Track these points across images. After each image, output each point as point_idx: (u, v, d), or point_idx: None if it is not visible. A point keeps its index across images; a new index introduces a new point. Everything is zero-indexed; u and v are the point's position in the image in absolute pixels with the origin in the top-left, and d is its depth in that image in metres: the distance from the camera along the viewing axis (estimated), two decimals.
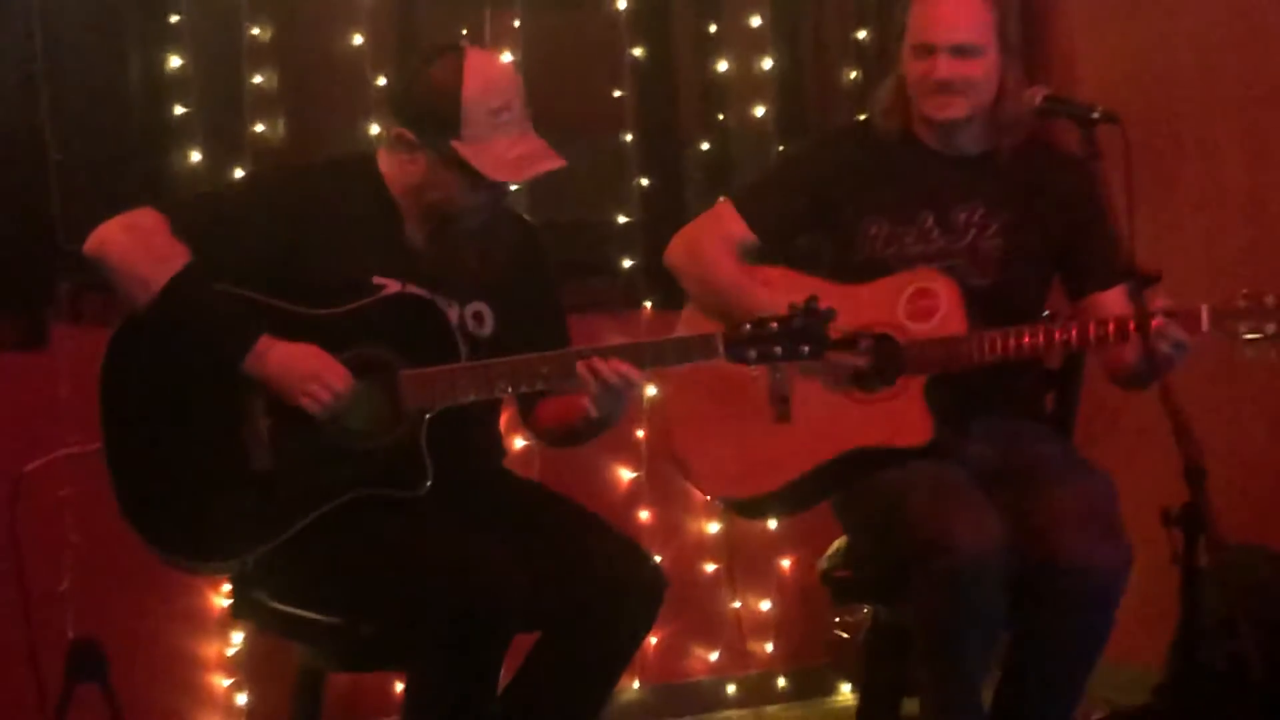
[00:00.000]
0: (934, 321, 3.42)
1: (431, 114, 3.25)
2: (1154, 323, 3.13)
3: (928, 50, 3.42)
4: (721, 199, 3.70)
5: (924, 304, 3.44)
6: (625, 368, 3.16)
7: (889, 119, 3.55)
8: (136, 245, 3.20)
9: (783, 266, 3.61)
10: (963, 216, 3.51)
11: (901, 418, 3.39)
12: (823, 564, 3.61)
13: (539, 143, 3.31)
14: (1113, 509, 3.31)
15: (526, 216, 3.75)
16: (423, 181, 3.31)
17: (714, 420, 3.54)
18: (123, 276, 3.20)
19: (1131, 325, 3.19)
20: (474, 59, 3.28)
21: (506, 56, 4.74)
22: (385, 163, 3.37)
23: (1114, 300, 3.43)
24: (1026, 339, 3.36)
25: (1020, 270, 3.52)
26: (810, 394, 3.46)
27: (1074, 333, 3.34)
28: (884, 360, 3.42)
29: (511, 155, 3.25)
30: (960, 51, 3.40)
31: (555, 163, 3.30)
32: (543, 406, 3.46)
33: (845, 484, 3.47)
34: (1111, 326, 3.29)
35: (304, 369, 3.16)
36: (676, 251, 3.65)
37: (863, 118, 3.68)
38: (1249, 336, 3.22)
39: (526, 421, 3.56)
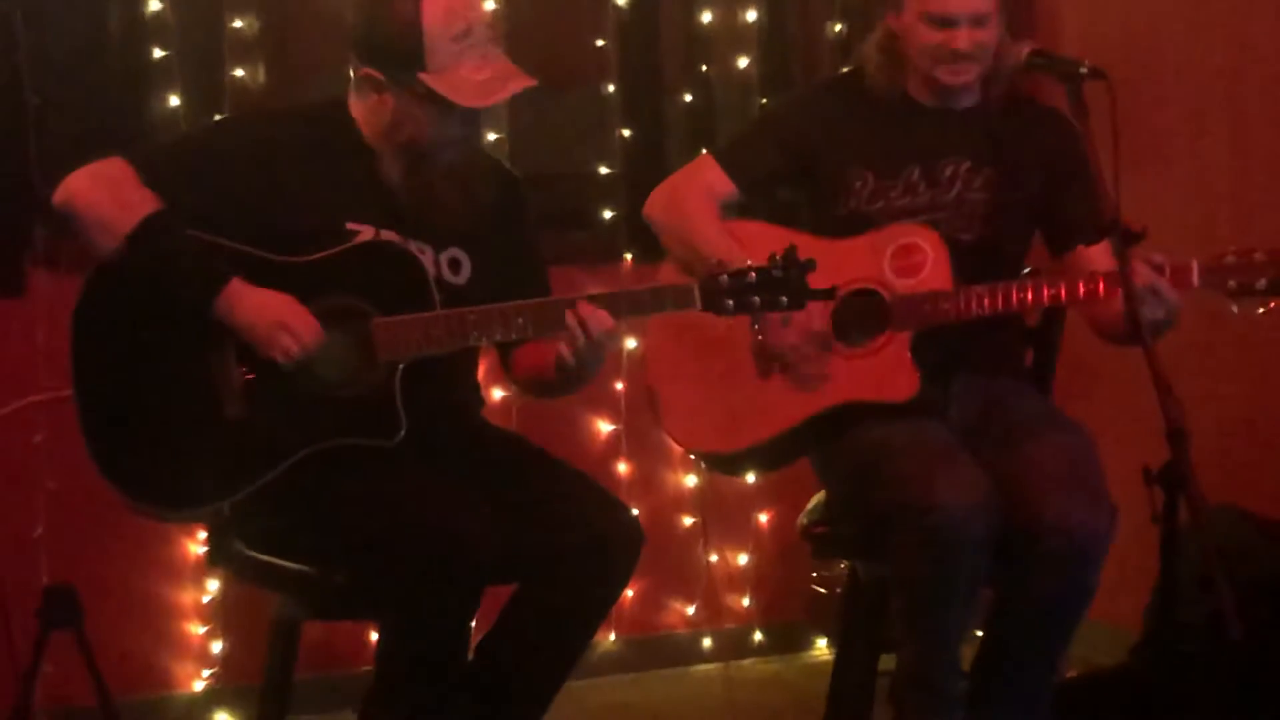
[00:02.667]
0: (920, 277, 3.41)
1: (394, 49, 3.21)
2: (1141, 278, 3.12)
3: (948, 22, 3.38)
4: (703, 152, 3.67)
5: (910, 260, 3.42)
6: (601, 314, 3.14)
7: (880, 77, 3.52)
8: (104, 194, 3.17)
9: (764, 221, 3.59)
10: (949, 170, 3.50)
11: (887, 372, 3.38)
12: (802, 519, 3.60)
13: (506, 64, 3.27)
14: (1096, 468, 3.31)
15: (508, 165, 3.72)
16: (394, 119, 3.27)
17: (697, 374, 3.52)
18: (91, 225, 3.17)
19: (1113, 282, 3.18)
20: None
21: (489, 3, 4.72)
22: (355, 106, 3.33)
23: (1099, 255, 3.42)
24: (1015, 295, 3.35)
25: (1005, 224, 3.52)
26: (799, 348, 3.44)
27: (1062, 289, 3.33)
28: (870, 315, 3.40)
29: (479, 79, 3.21)
30: (978, 21, 3.38)
31: (524, 82, 3.25)
32: (519, 355, 3.44)
33: (828, 439, 3.46)
34: (1101, 283, 3.28)
35: (273, 318, 3.13)
36: (656, 204, 3.63)
37: (849, 70, 3.65)
38: (1237, 291, 3.22)
39: (506, 370, 3.53)
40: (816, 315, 3.41)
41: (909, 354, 3.38)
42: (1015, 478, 3.27)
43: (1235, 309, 3.25)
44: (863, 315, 3.43)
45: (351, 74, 3.31)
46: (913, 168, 3.50)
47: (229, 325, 3.15)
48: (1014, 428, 3.40)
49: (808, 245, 3.37)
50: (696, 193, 3.56)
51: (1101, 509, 3.24)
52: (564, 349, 3.18)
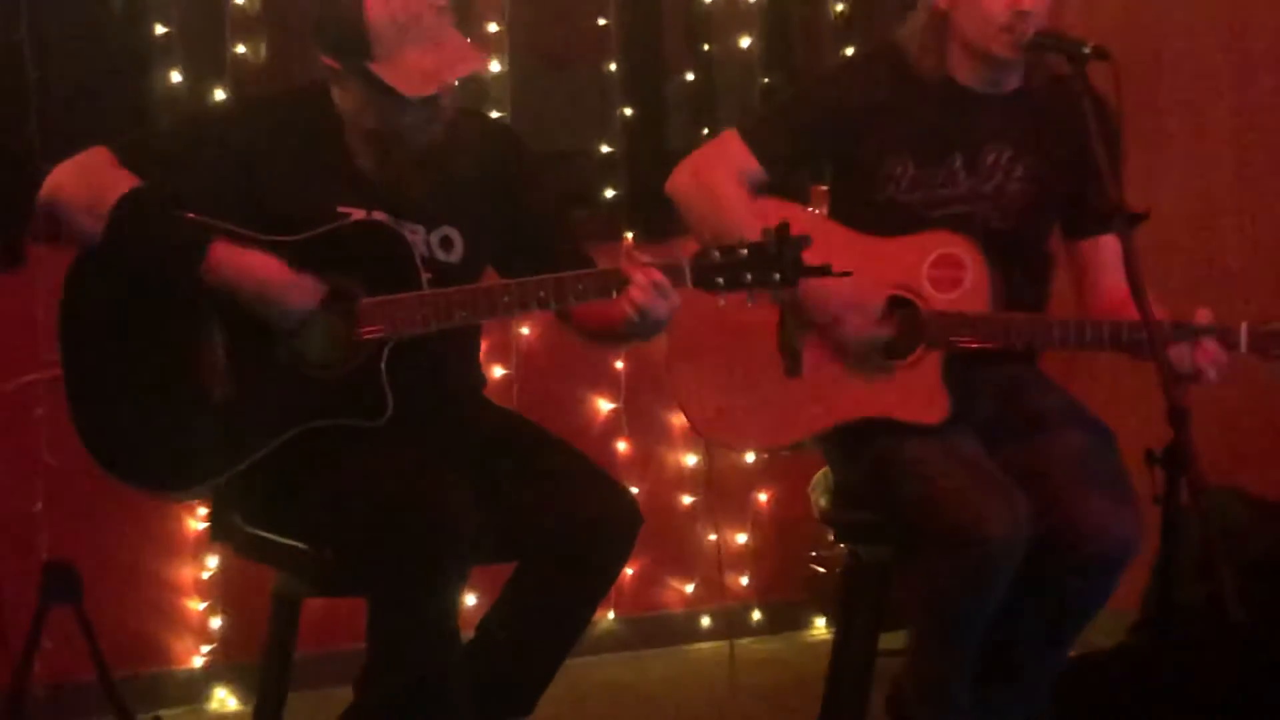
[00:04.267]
0: (957, 293, 3.33)
1: (343, 39, 3.18)
2: (1207, 352, 3.12)
3: None
4: (729, 130, 3.56)
5: (949, 272, 3.34)
6: (655, 274, 3.10)
7: (926, 59, 3.42)
8: (84, 179, 3.17)
9: (797, 206, 3.53)
10: (990, 158, 3.41)
11: (917, 391, 3.32)
12: (820, 501, 3.55)
13: (457, 45, 3.22)
14: (1123, 469, 3.27)
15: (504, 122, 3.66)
16: (358, 106, 3.24)
17: (720, 364, 3.45)
18: (74, 212, 3.16)
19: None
20: None
21: None
22: (335, 91, 3.31)
23: (1110, 245, 3.35)
24: (1051, 335, 3.30)
25: (1038, 215, 3.45)
26: (824, 353, 3.39)
27: (1105, 334, 3.26)
28: (906, 330, 3.35)
29: (425, 65, 3.17)
30: None
31: (474, 63, 3.24)
32: (581, 309, 3.35)
33: (847, 444, 3.43)
34: (1153, 336, 3.22)
35: (265, 280, 3.13)
36: (682, 180, 3.51)
37: (885, 46, 3.51)
38: None
39: (564, 320, 3.47)
40: (871, 306, 3.35)
41: (940, 376, 3.32)
42: (1045, 479, 3.23)
43: (1275, 370, 3.21)
44: (897, 325, 3.35)
45: (320, 61, 3.29)
46: (955, 155, 3.41)
47: (219, 289, 3.13)
48: (1036, 422, 3.36)
49: (848, 241, 3.35)
50: (723, 170, 3.45)
51: (1136, 516, 3.20)
52: (632, 305, 3.11)
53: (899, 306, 3.36)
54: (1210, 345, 3.15)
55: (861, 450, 3.38)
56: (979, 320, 3.32)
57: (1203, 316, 3.16)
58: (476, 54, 3.24)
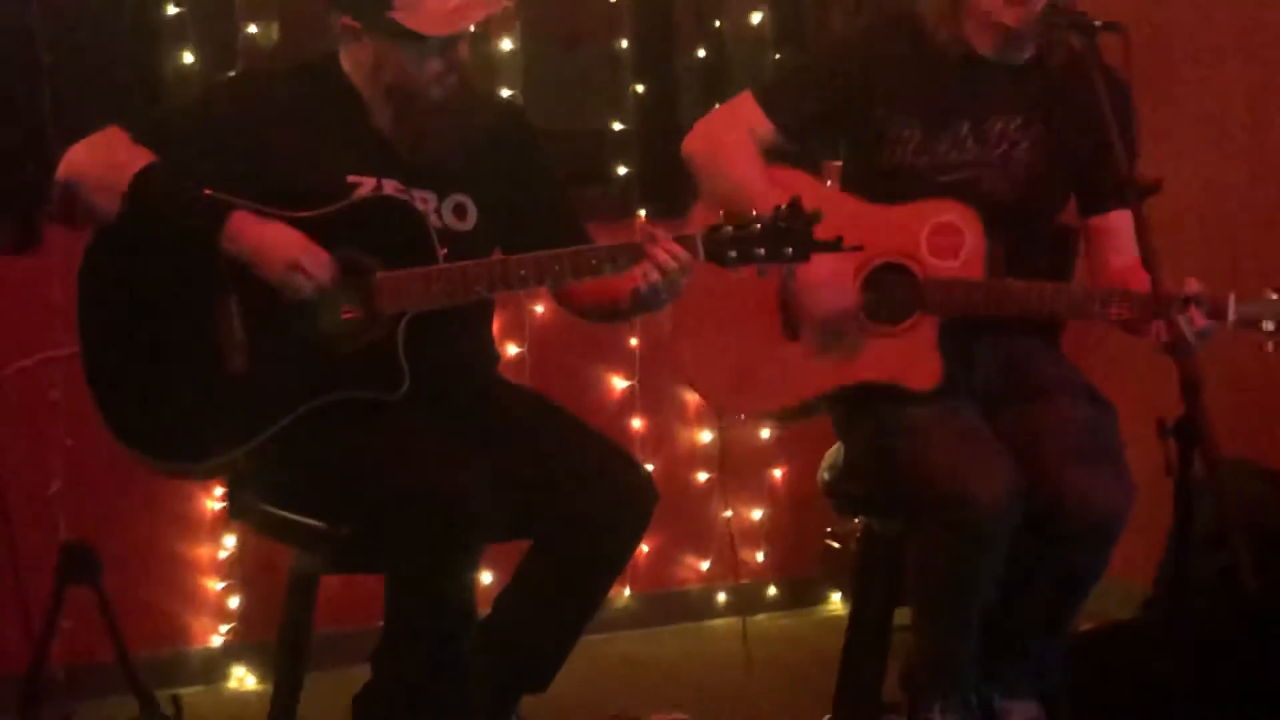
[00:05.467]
0: (955, 261, 3.34)
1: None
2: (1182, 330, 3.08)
3: None
4: (745, 92, 3.56)
5: (948, 240, 3.35)
6: (678, 249, 3.11)
7: (942, 26, 3.42)
8: (100, 158, 3.18)
9: (808, 174, 3.53)
10: (998, 127, 3.42)
11: (912, 358, 3.33)
12: (824, 475, 3.58)
13: None
14: (1116, 443, 3.28)
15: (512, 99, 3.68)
16: (376, 63, 3.25)
17: (723, 328, 3.47)
18: (91, 190, 3.17)
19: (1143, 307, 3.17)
20: None
21: None
22: (344, 58, 3.32)
23: (1123, 220, 3.35)
24: (1043, 303, 3.31)
25: (1046, 186, 3.45)
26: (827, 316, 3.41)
27: (1095, 305, 3.28)
28: (901, 292, 3.36)
29: (449, 7, 3.19)
30: None
31: (494, 3, 3.24)
32: (578, 286, 3.38)
33: (849, 412, 3.44)
34: (1137, 304, 3.22)
35: (285, 254, 3.13)
36: (695, 142, 3.53)
37: (903, 13, 3.51)
38: (1275, 332, 3.17)
39: (559, 299, 3.52)
40: (846, 281, 3.37)
41: (935, 341, 3.33)
42: (1036, 449, 3.24)
43: (1270, 347, 3.20)
44: (894, 291, 3.37)
45: (333, 25, 3.30)
46: (963, 122, 3.42)
47: (239, 259, 3.14)
48: (1037, 394, 3.37)
49: (846, 208, 3.36)
50: (737, 132, 3.47)
51: (1122, 488, 3.21)
52: (643, 283, 3.13)
53: (895, 273, 3.37)
54: (1196, 314, 3.13)
55: (864, 419, 3.40)
56: (972, 286, 3.32)
57: (1191, 286, 3.15)
58: None
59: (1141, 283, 3.11)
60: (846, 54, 3.54)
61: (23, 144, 4.27)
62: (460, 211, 3.34)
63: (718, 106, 3.75)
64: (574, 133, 4.89)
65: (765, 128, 3.46)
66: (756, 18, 5.03)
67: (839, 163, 3.66)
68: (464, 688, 3.13)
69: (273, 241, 3.14)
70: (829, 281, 3.34)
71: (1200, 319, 3.13)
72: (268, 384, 3.18)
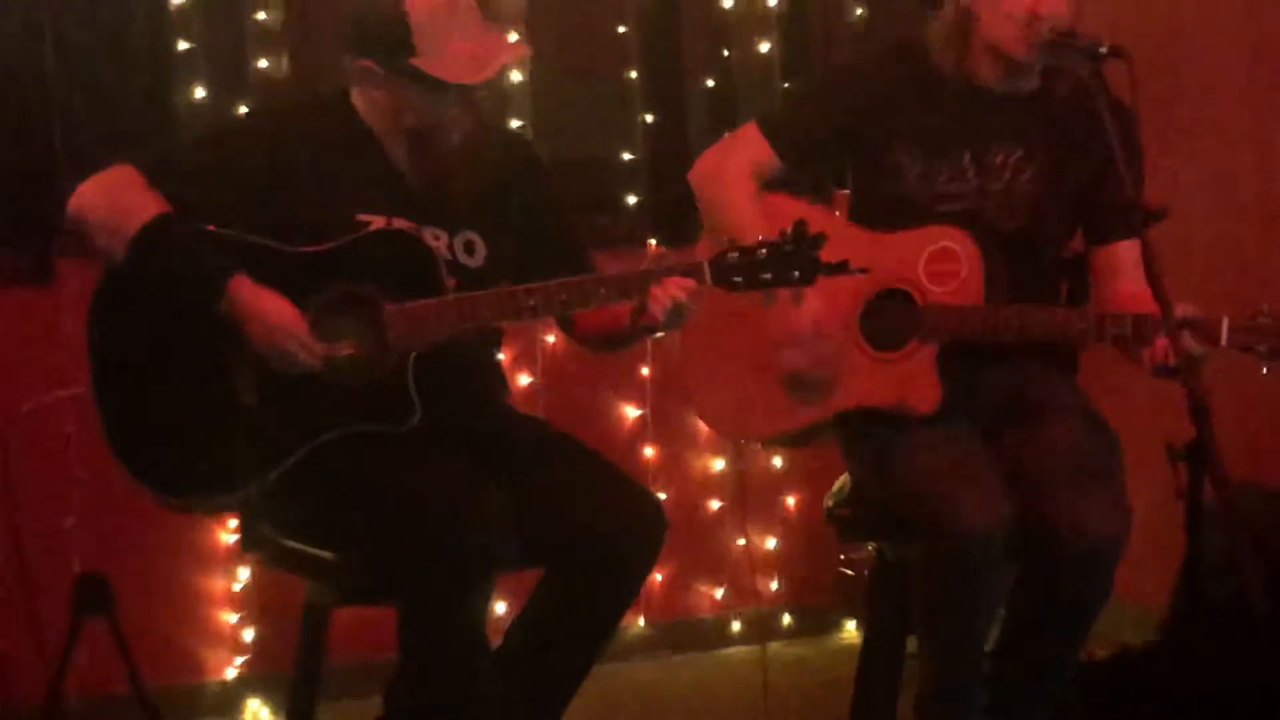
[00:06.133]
0: (953, 286, 3.35)
1: (383, 38, 3.22)
2: (1161, 345, 3.09)
3: None
4: (750, 122, 3.57)
5: (945, 265, 3.35)
6: (686, 281, 3.13)
7: (948, 56, 3.42)
8: (109, 199, 3.19)
9: (806, 200, 3.54)
10: (1000, 158, 3.41)
11: (912, 382, 3.34)
12: (828, 501, 3.59)
13: (495, 36, 3.27)
14: (1115, 469, 3.27)
15: (521, 133, 3.70)
16: (395, 106, 3.27)
17: (727, 355, 3.49)
18: (99, 232, 3.18)
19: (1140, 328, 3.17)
20: None
21: None
22: (358, 97, 3.33)
23: (1130, 249, 3.34)
24: (1037, 327, 3.31)
25: (1049, 216, 3.44)
26: (816, 345, 3.41)
27: (1088, 326, 3.28)
28: (900, 318, 3.37)
29: (469, 55, 3.21)
30: None
31: (515, 51, 3.29)
32: (583, 316, 3.42)
33: (851, 434, 3.45)
34: (1130, 325, 3.22)
35: (274, 338, 3.13)
36: (699, 170, 3.57)
37: (907, 41, 3.51)
38: (1267, 356, 3.15)
39: (566, 330, 3.54)
40: (840, 310, 3.39)
41: (935, 366, 3.33)
42: (1034, 474, 3.23)
43: (1265, 370, 3.17)
44: (893, 317, 3.38)
45: (349, 67, 3.32)
46: (964, 152, 3.42)
47: (234, 323, 3.15)
48: (1036, 418, 3.36)
49: (847, 234, 3.36)
50: (738, 164, 3.49)
51: (1117, 513, 3.19)
52: (654, 312, 3.14)
53: (895, 299, 3.38)
54: (1187, 338, 3.12)
55: (865, 443, 3.40)
56: (969, 312, 3.33)
57: (1184, 310, 3.15)
58: (515, 46, 3.28)
59: (1149, 309, 3.11)
60: (849, 83, 3.55)
61: (35, 178, 4.29)
62: (470, 248, 3.35)
63: (726, 135, 3.76)
64: (584, 162, 4.90)
65: (768, 157, 3.48)
66: (765, 46, 5.04)
67: (847, 191, 3.67)
68: (478, 716, 3.13)
69: (264, 317, 3.13)
70: (822, 315, 3.36)
71: (1191, 343, 3.12)
72: (279, 419, 3.19)
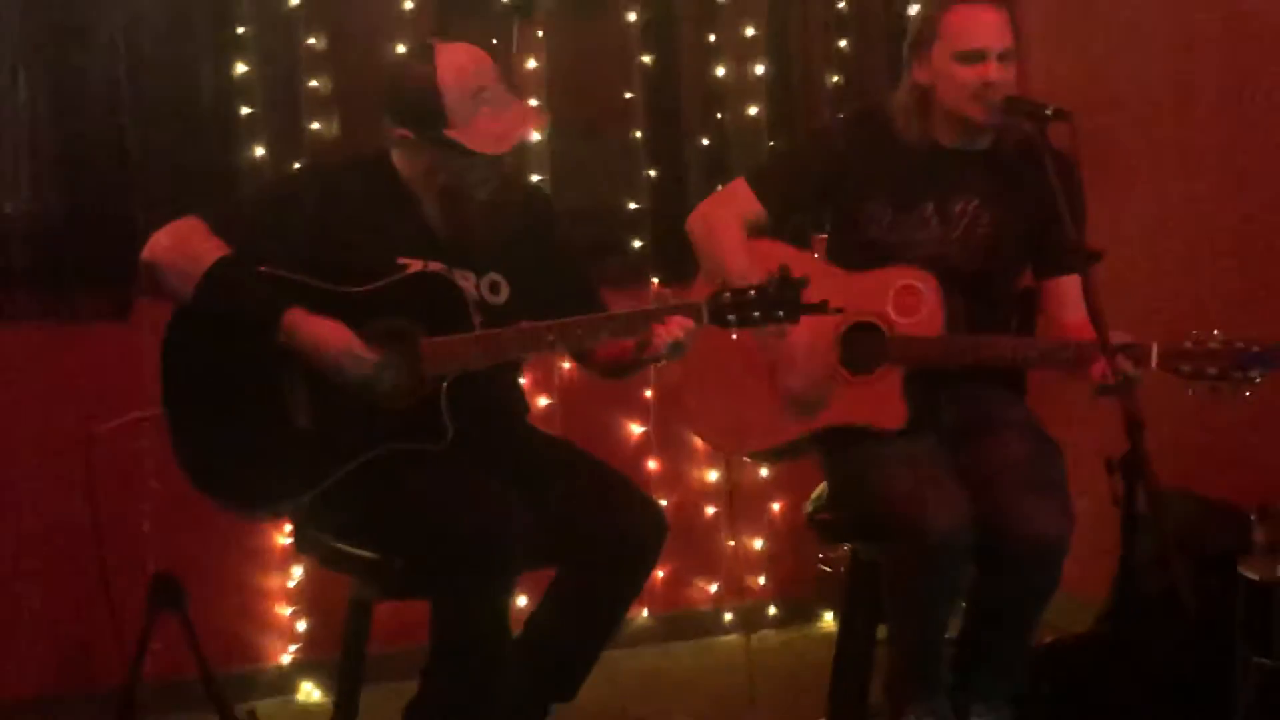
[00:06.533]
0: (917, 317, 3.36)
1: (420, 112, 3.22)
2: (1099, 367, 3.09)
3: (979, 56, 3.30)
4: (739, 178, 3.60)
5: (910, 300, 3.36)
6: (685, 321, 3.15)
7: (910, 120, 3.43)
8: (178, 247, 3.20)
9: (788, 244, 3.54)
10: (959, 207, 3.42)
11: (881, 402, 3.34)
12: (808, 507, 3.59)
13: (520, 109, 3.28)
14: (1060, 478, 3.27)
15: (538, 185, 3.70)
16: (428, 169, 3.28)
17: (720, 378, 3.49)
18: (171, 274, 3.19)
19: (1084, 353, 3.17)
20: (443, 54, 3.24)
21: (532, 63, 4.73)
22: (397, 158, 3.34)
23: (1073, 284, 3.35)
24: (991, 352, 3.32)
25: (1003, 258, 3.45)
26: (807, 370, 3.41)
27: (1036, 353, 3.29)
28: (871, 347, 3.37)
29: (496, 128, 3.22)
30: (1003, 56, 3.31)
31: (535, 124, 3.30)
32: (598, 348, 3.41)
33: (829, 449, 3.44)
34: (1073, 351, 3.22)
35: (331, 351, 3.14)
36: (694, 221, 3.56)
37: (873, 107, 3.54)
38: (1191, 375, 3.15)
39: (581, 361, 3.53)
40: (820, 340, 3.39)
41: (901, 388, 3.34)
42: (989, 481, 3.24)
43: (1190, 391, 3.18)
44: (865, 346, 3.39)
45: (388, 132, 3.32)
46: (928, 204, 3.42)
47: (294, 350, 3.16)
48: (991, 432, 3.36)
49: (825, 273, 3.37)
50: (729, 215, 3.49)
51: (1063, 515, 3.20)
52: (656, 346, 3.15)
53: (866, 331, 3.38)
54: (1123, 361, 3.12)
55: (841, 456, 3.40)
56: (930, 342, 3.32)
57: (1120, 337, 3.14)
58: (537, 115, 3.28)
59: (1088, 336, 3.11)
60: (825, 145, 3.56)
61: (115, 228, 4.28)
62: (495, 288, 3.35)
63: (719, 188, 3.77)
64: (595, 211, 4.89)
65: (755, 210, 3.48)
66: (754, 110, 5.03)
67: (824, 235, 3.68)
68: (501, 698, 3.13)
69: (317, 340, 3.15)
70: (808, 345, 3.36)
71: (1127, 365, 3.11)
72: (328, 439, 3.19)
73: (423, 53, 3.26)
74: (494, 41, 4.70)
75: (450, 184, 3.27)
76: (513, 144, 3.25)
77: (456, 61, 3.22)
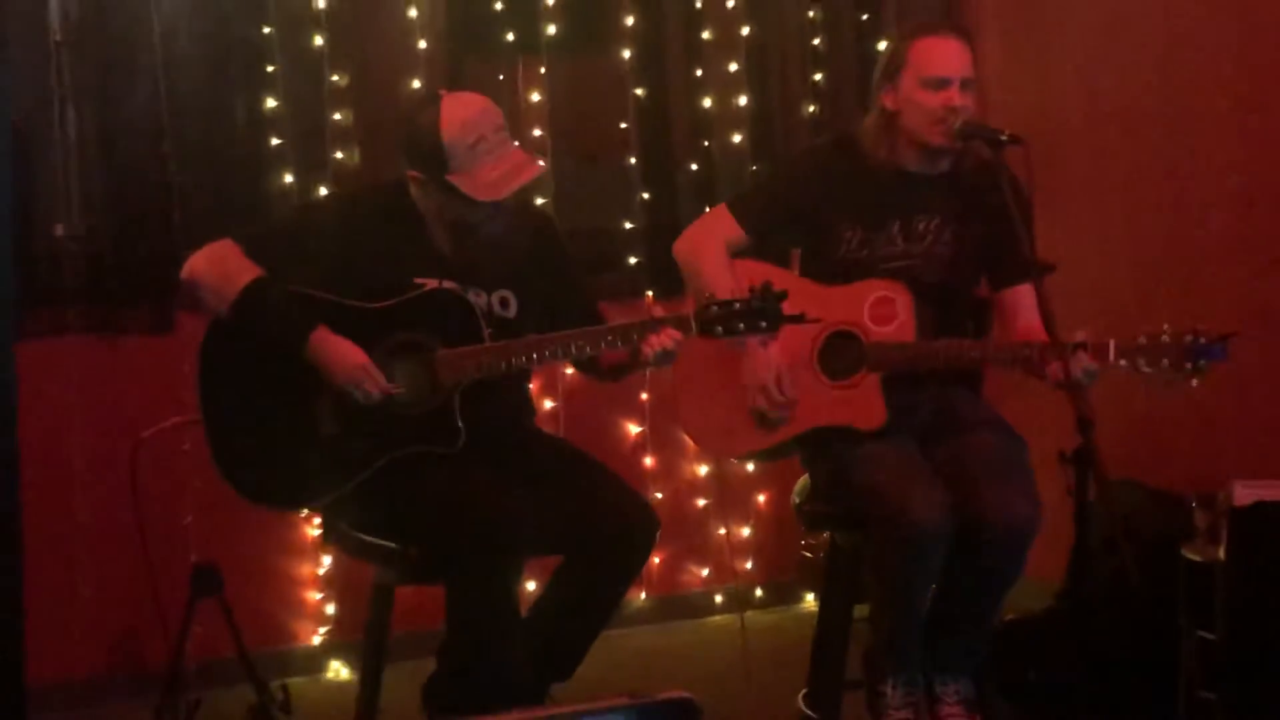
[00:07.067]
0: (892, 326, 3.34)
1: (424, 156, 3.21)
2: (1055, 367, 3.07)
3: (943, 82, 3.28)
4: (721, 204, 3.57)
5: (884, 310, 3.34)
6: (673, 333, 3.15)
7: (877, 146, 3.40)
8: (216, 268, 3.20)
9: (769, 264, 3.51)
10: (922, 225, 3.40)
11: (862, 405, 3.32)
12: (795, 499, 3.57)
13: (518, 159, 3.23)
14: (1027, 468, 3.25)
15: (543, 208, 3.69)
16: (439, 205, 3.26)
17: (711, 387, 3.45)
18: (208, 293, 3.20)
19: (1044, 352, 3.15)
20: (448, 104, 3.20)
21: (535, 96, 4.73)
22: (412, 190, 3.31)
23: (1025, 292, 3.35)
24: (962, 356, 3.30)
25: (963, 270, 3.43)
26: (792, 375, 3.40)
27: (1002, 354, 3.28)
28: (850, 354, 3.37)
29: (494, 176, 3.18)
30: (965, 84, 3.30)
31: (533, 170, 3.22)
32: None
33: (813, 449, 3.43)
34: (1036, 351, 3.20)
35: (349, 373, 3.14)
36: (680, 245, 3.53)
37: (843, 136, 3.51)
38: (1146, 370, 3.13)
39: (582, 366, 3.50)
40: (800, 350, 3.36)
41: (879, 392, 3.32)
42: (963, 474, 3.21)
43: (1144, 383, 3.16)
44: (844, 353, 3.37)
45: (403, 171, 3.31)
46: (894, 223, 3.39)
47: (318, 365, 3.15)
48: (963, 430, 3.34)
49: (805, 289, 3.34)
50: (712, 237, 3.46)
51: (1032, 502, 3.18)
52: (647, 354, 3.15)
53: (845, 339, 3.36)
54: (1084, 356, 3.12)
55: (825, 455, 3.38)
56: (904, 348, 3.32)
57: (1082, 335, 3.13)
58: (533, 163, 3.24)
59: (1043, 339, 3.11)
60: (799, 172, 3.54)
61: (158, 248, 4.29)
62: (505, 304, 3.34)
63: (706, 210, 3.74)
64: (594, 231, 4.88)
65: (737, 233, 3.46)
66: (737, 138, 5.03)
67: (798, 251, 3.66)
68: (509, 675, 3.12)
69: (336, 359, 3.14)
70: (784, 361, 3.36)
71: (1088, 360, 3.11)
72: (353, 444, 3.19)
73: (430, 101, 3.23)
74: (500, 78, 4.71)
75: (456, 220, 3.25)
76: (509, 192, 3.20)
77: (459, 112, 3.19)
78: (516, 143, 3.27)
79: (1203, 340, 3.09)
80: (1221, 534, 3.61)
